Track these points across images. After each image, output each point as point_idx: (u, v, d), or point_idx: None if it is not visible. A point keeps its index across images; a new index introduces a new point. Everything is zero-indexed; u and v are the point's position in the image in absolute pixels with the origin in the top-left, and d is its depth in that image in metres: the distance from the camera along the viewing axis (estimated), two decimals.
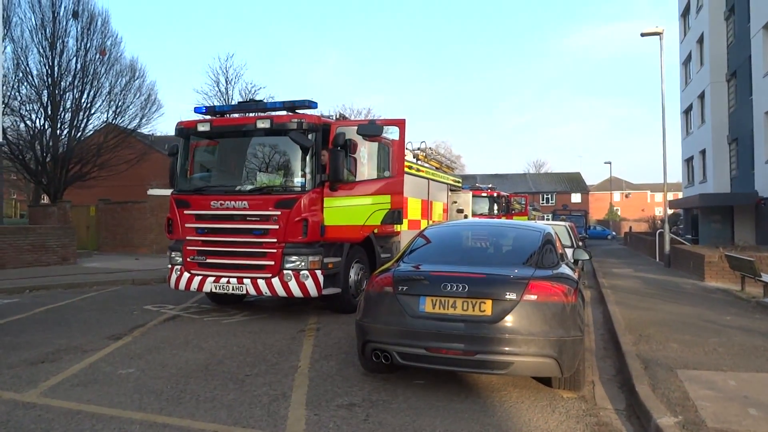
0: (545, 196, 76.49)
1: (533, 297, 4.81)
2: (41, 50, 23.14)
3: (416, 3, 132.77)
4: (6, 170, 23.95)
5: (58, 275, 14.22)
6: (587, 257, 7.71)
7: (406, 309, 5.04)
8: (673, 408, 4.55)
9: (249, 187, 8.75)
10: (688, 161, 34.13)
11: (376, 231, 9.75)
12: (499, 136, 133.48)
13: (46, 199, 26.45)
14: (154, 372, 5.83)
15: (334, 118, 9.79)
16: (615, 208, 75.80)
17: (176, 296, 10.78)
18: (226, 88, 30.54)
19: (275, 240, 8.41)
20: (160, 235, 21.12)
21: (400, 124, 9.18)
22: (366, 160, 9.14)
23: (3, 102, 20.38)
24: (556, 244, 6.24)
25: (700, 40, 29.98)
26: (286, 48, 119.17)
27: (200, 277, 8.84)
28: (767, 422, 4.27)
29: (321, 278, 8.46)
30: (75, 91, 24.06)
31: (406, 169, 11.09)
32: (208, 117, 9.40)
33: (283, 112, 9.17)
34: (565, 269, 5.65)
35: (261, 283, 8.45)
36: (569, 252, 7.73)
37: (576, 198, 76.35)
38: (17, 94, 23.36)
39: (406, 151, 11.82)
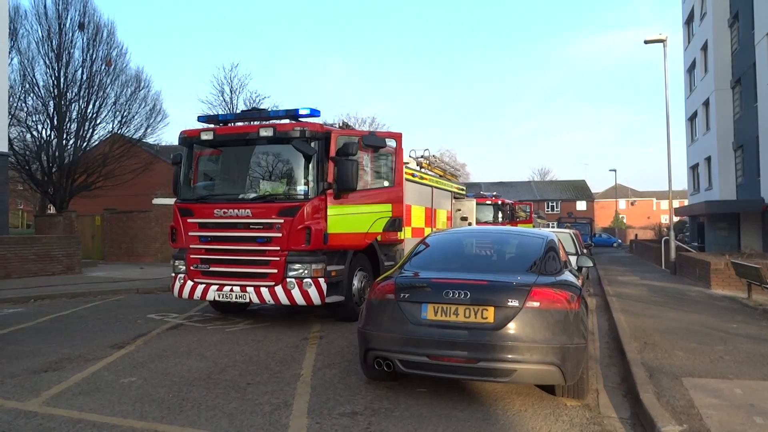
0: (550, 204, 76.26)
1: (536, 304, 4.78)
2: (47, 61, 23.41)
3: (422, 12, 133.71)
4: (12, 181, 24.13)
5: (62, 284, 14.26)
6: (591, 264, 7.68)
7: (408, 316, 5.01)
8: (677, 416, 4.50)
9: (252, 195, 8.76)
10: (694, 168, 34.02)
11: (379, 238, 9.78)
12: (504, 143, 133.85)
13: (52, 209, 26.59)
14: (156, 381, 5.83)
15: (338, 126, 9.82)
16: (620, 216, 75.60)
17: (180, 305, 10.78)
18: (231, 98, 30.71)
19: (278, 248, 8.40)
20: (164, 244, 21.21)
21: (398, 137, 9.77)
22: (368, 169, 9.28)
23: (9, 113, 20.55)
24: (560, 251, 6.20)
25: (705, 48, 29.97)
26: (291, 57, 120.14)
27: (203, 286, 8.84)
28: None
29: (324, 286, 8.43)
30: (81, 101, 24.29)
31: (409, 177, 11.27)
32: (211, 126, 9.44)
33: (286, 121, 9.20)
34: (568, 276, 5.60)
35: (264, 291, 8.44)
36: (573, 259, 7.70)
37: (581, 206, 76.08)
38: (23, 105, 23.66)
39: (409, 158, 12.23)
